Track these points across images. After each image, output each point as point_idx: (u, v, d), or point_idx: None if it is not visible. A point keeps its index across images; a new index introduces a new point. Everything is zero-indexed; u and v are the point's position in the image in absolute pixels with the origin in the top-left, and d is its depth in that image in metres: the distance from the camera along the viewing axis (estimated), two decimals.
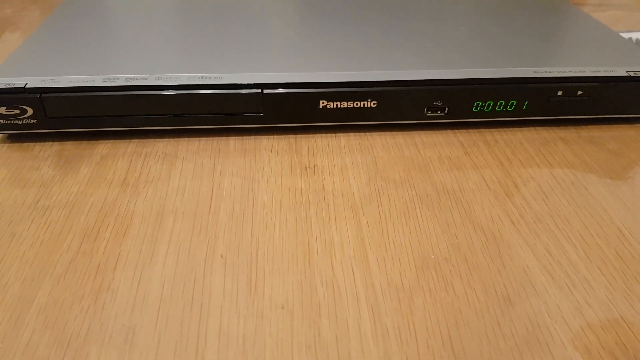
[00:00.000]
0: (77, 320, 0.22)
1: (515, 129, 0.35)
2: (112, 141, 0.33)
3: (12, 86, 0.31)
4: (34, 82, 0.32)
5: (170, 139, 0.34)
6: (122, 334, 0.22)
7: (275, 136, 0.34)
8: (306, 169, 0.31)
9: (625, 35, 0.44)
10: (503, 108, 0.34)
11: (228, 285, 0.24)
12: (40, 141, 0.33)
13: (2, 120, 0.32)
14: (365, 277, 0.24)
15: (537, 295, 0.24)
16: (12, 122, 0.32)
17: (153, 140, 0.33)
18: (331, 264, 0.25)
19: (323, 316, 0.22)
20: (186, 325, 0.22)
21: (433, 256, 0.25)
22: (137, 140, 0.33)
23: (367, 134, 0.34)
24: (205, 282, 0.24)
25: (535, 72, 0.34)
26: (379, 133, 0.34)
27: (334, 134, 0.34)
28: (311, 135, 0.34)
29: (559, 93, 0.34)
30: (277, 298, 0.23)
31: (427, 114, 0.34)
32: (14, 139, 0.34)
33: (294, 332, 0.22)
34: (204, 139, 0.34)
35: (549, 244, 0.26)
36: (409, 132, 0.34)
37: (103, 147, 0.33)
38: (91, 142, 0.33)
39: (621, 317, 0.23)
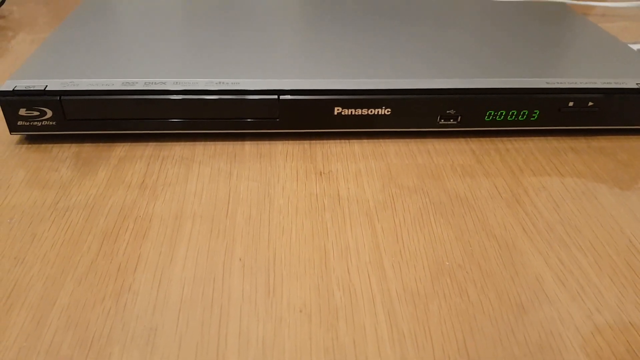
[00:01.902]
0: (99, 321, 0.23)
1: (526, 138, 0.36)
2: (129, 144, 0.34)
3: (32, 88, 0.32)
4: (54, 84, 0.32)
5: (187, 143, 0.34)
6: (144, 335, 0.22)
7: (290, 141, 0.35)
8: (321, 175, 0.32)
9: (634, 46, 0.44)
10: (515, 117, 0.35)
11: (247, 288, 0.24)
12: (58, 143, 0.34)
13: (21, 122, 0.33)
14: (381, 282, 0.25)
15: (549, 302, 0.24)
16: (31, 123, 0.33)
17: (170, 143, 0.34)
18: (347, 269, 0.25)
19: (340, 320, 0.23)
20: (207, 326, 0.23)
21: (447, 263, 0.26)
22: (154, 143, 0.34)
23: (381, 140, 0.35)
24: (225, 284, 0.24)
25: (547, 82, 0.34)
26: (392, 140, 0.35)
27: (347, 141, 0.35)
28: (325, 141, 0.35)
29: (570, 104, 0.34)
30: (295, 301, 0.24)
31: (440, 122, 0.34)
32: (32, 140, 0.34)
33: (312, 335, 0.22)
34: (220, 143, 0.34)
35: (560, 252, 0.27)
36: (421, 140, 0.35)
37: (120, 150, 0.33)
38: (109, 144, 0.34)
39: (631, 324, 0.23)
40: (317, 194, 0.30)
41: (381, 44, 0.38)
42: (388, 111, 0.34)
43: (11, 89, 0.32)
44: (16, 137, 0.34)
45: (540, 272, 0.26)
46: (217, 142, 0.34)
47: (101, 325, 0.23)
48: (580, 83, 0.34)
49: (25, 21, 0.53)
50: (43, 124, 0.33)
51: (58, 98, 0.32)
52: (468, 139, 0.35)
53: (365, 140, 0.35)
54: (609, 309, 0.24)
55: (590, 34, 0.42)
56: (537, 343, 0.22)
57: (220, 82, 0.33)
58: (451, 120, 0.34)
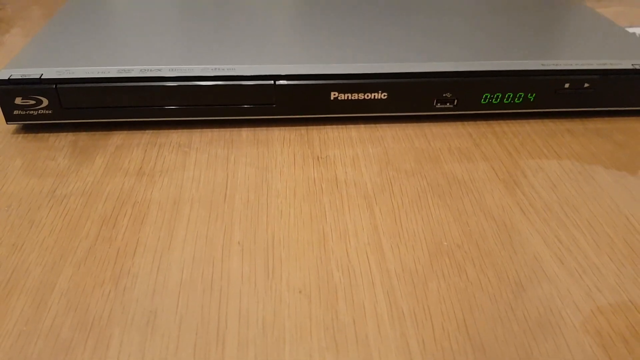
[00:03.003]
0: (99, 304, 0.23)
1: (522, 120, 0.36)
2: (126, 132, 0.34)
3: (27, 77, 0.32)
4: (49, 72, 0.32)
5: (184, 130, 0.34)
6: (144, 316, 0.22)
7: (286, 127, 0.35)
8: (318, 159, 0.32)
9: (630, 30, 0.44)
10: (511, 100, 0.35)
11: (246, 270, 0.24)
12: (55, 132, 0.34)
13: (17, 111, 0.32)
14: (380, 263, 0.25)
15: (548, 280, 0.24)
16: (28, 112, 0.33)
17: (167, 131, 0.34)
18: (346, 251, 0.25)
19: (340, 300, 0.23)
20: (206, 308, 0.23)
21: (445, 243, 0.26)
22: (151, 131, 0.34)
23: (378, 125, 0.35)
24: (224, 267, 0.24)
25: (542, 64, 0.34)
26: (389, 124, 0.35)
27: (344, 126, 0.35)
28: (322, 127, 0.35)
29: (566, 85, 0.34)
30: (295, 283, 0.24)
31: (437, 106, 0.34)
32: (28, 129, 0.34)
33: (312, 314, 0.22)
34: (217, 130, 0.34)
35: (558, 231, 0.27)
36: (418, 124, 0.35)
37: (117, 138, 0.33)
38: (105, 132, 0.34)
39: (631, 301, 0.23)
40: (315, 179, 0.30)
41: (377, 29, 0.38)
42: (384, 95, 0.34)
43: (7, 78, 0.31)
44: (12, 126, 0.34)
45: (539, 250, 0.26)
46: (213, 129, 0.34)
47: (101, 308, 0.23)
48: (576, 64, 0.34)
49: (19, 14, 0.53)
50: (39, 112, 0.33)
51: (54, 86, 0.32)
52: (465, 122, 0.35)
53: (362, 125, 0.35)
54: (608, 286, 0.24)
55: (586, 16, 0.42)
56: (536, 320, 0.22)
57: (216, 68, 0.33)
58: (447, 104, 0.34)
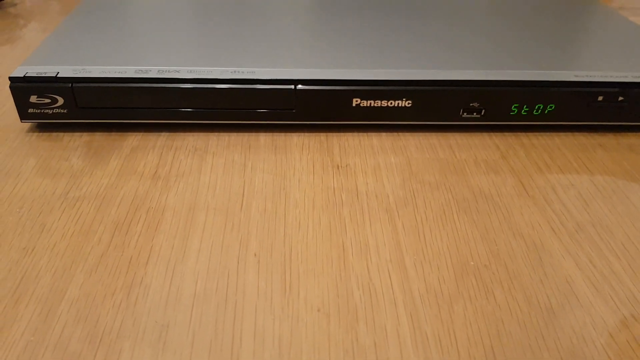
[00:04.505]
0: (109, 315, 0.22)
1: (552, 133, 0.34)
2: (141, 134, 0.33)
3: (43, 75, 0.31)
4: (65, 71, 0.31)
5: (200, 133, 0.33)
6: (156, 331, 0.21)
7: (306, 133, 0.33)
8: (338, 168, 0.31)
9: None
10: (541, 112, 0.33)
11: (262, 284, 0.23)
12: (69, 131, 0.33)
13: (32, 109, 0.32)
14: (403, 281, 0.24)
15: (581, 307, 0.23)
16: (42, 111, 0.32)
17: (183, 134, 0.33)
18: (367, 267, 0.24)
19: (360, 321, 0.22)
20: (220, 324, 0.22)
21: (472, 262, 0.25)
22: (167, 133, 0.33)
23: (400, 134, 0.34)
24: (239, 280, 0.23)
25: (575, 75, 0.33)
26: (412, 133, 0.34)
27: (365, 133, 0.34)
28: (342, 134, 0.34)
29: (600, 98, 0.33)
30: (313, 300, 0.23)
31: (463, 115, 0.33)
32: (43, 128, 0.33)
33: (330, 336, 0.21)
34: (234, 134, 0.33)
35: (591, 254, 0.25)
36: (443, 134, 0.34)
37: (133, 139, 0.32)
38: (120, 133, 0.33)
39: None
40: (334, 188, 0.29)
41: (401, 34, 0.37)
42: (409, 103, 0.33)
43: (22, 75, 0.31)
44: (27, 125, 0.34)
45: (571, 274, 0.24)
46: (231, 133, 0.33)
47: (112, 319, 0.22)
48: (610, 77, 0.33)
49: (37, 10, 0.52)
50: (54, 111, 0.32)
51: (70, 85, 0.31)
52: (492, 133, 0.34)
53: (383, 133, 0.34)
54: None
55: (619, 26, 0.40)
56: (568, 349, 0.21)
57: (235, 71, 0.32)
58: (474, 114, 0.33)
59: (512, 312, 0.22)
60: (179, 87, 0.31)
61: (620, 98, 0.33)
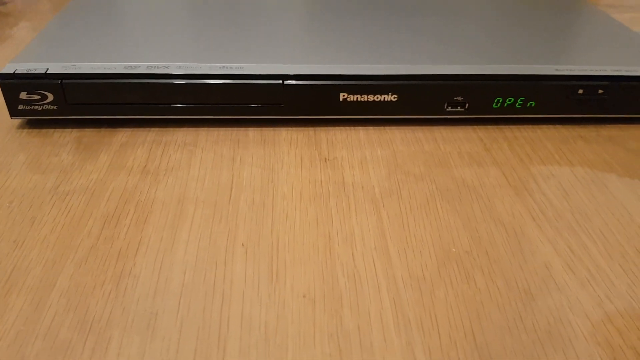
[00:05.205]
0: (99, 305, 0.22)
1: (534, 126, 0.35)
2: (131, 129, 0.33)
3: (33, 71, 0.31)
4: (55, 67, 0.32)
5: (190, 129, 0.34)
6: (145, 319, 0.22)
7: (294, 128, 0.34)
8: (326, 161, 0.31)
9: None
10: (523, 105, 0.34)
11: (249, 273, 0.24)
12: (59, 127, 0.33)
13: (22, 106, 0.32)
14: (387, 268, 0.24)
15: (558, 289, 0.23)
16: (32, 107, 0.32)
17: (172, 129, 0.33)
18: (352, 255, 0.25)
19: (345, 306, 0.22)
20: (208, 311, 0.22)
21: (454, 249, 0.25)
22: (157, 129, 0.33)
23: (387, 127, 0.34)
24: (227, 270, 0.24)
25: (556, 69, 0.34)
26: (399, 127, 0.34)
27: (353, 127, 0.34)
28: (330, 128, 0.34)
29: (580, 91, 0.34)
30: (299, 287, 0.23)
31: (448, 109, 0.34)
32: (33, 124, 0.34)
33: (316, 321, 0.22)
34: (223, 129, 0.34)
35: (569, 240, 0.26)
36: (428, 127, 0.34)
37: (122, 135, 0.33)
38: (110, 129, 0.33)
39: None
40: (321, 181, 0.30)
41: (388, 30, 0.38)
42: (394, 97, 0.33)
43: (12, 72, 0.31)
44: (17, 121, 0.34)
45: (549, 259, 0.25)
46: (220, 129, 0.34)
47: (101, 308, 0.22)
48: (590, 70, 0.34)
49: (27, 9, 0.53)
50: (44, 108, 0.32)
51: (59, 81, 0.31)
52: (475, 126, 0.35)
53: (370, 127, 0.34)
54: (619, 296, 0.23)
55: (601, 22, 0.41)
56: (546, 330, 0.22)
57: (224, 67, 0.32)
58: (458, 108, 0.34)
59: (492, 296, 0.23)
60: (168, 83, 0.32)
61: (600, 91, 0.34)
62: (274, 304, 0.22)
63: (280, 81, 0.32)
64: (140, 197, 0.28)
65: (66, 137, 0.33)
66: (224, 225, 0.26)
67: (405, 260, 0.25)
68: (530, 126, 0.35)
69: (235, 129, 0.34)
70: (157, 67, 0.32)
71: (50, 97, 0.32)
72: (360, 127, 0.34)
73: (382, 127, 0.34)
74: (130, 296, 0.23)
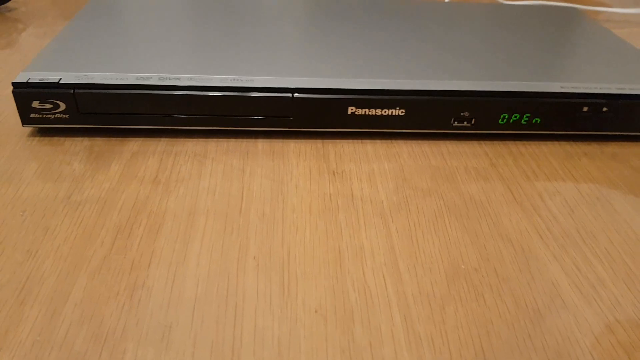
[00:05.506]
0: (113, 316, 0.23)
1: (539, 142, 0.36)
2: (142, 139, 0.34)
3: (46, 80, 0.32)
4: (68, 77, 0.32)
5: (200, 139, 0.34)
6: (159, 331, 0.22)
7: (302, 140, 0.34)
8: (334, 174, 0.31)
9: None
10: (528, 121, 0.34)
11: (261, 287, 0.24)
12: (70, 136, 0.34)
13: (34, 114, 0.32)
14: (397, 284, 0.25)
15: (566, 309, 0.24)
16: (44, 116, 0.32)
17: (183, 139, 0.34)
18: (362, 270, 0.25)
19: (356, 322, 0.23)
20: (221, 325, 0.22)
21: (463, 266, 0.26)
22: (167, 139, 0.34)
23: (394, 141, 0.35)
24: (239, 282, 0.24)
25: (561, 87, 0.34)
26: (405, 141, 0.35)
27: (360, 141, 0.35)
28: (338, 141, 0.35)
29: (585, 109, 0.34)
30: (310, 302, 0.24)
31: (454, 124, 0.34)
32: (44, 133, 0.34)
33: (328, 336, 0.22)
34: (233, 140, 0.34)
35: (576, 258, 0.27)
36: (435, 142, 0.35)
37: (133, 145, 0.33)
38: (121, 139, 0.34)
39: None
40: (330, 194, 0.30)
41: (397, 45, 0.38)
42: (402, 112, 0.34)
43: (25, 81, 0.31)
44: (28, 129, 0.34)
45: (557, 277, 0.25)
46: (229, 140, 0.34)
47: (115, 320, 0.22)
48: (595, 88, 0.34)
49: (35, 14, 0.53)
50: (56, 116, 0.33)
51: (72, 91, 0.32)
52: (482, 141, 0.35)
53: (378, 141, 0.35)
54: (625, 315, 0.24)
55: (603, 38, 0.42)
56: (554, 349, 0.22)
57: (234, 79, 0.33)
58: (465, 123, 0.34)
59: (501, 314, 0.23)
60: (179, 94, 0.32)
61: (605, 109, 0.34)
62: (286, 319, 0.23)
63: (290, 94, 0.33)
64: (152, 207, 0.28)
65: (77, 146, 0.33)
66: (235, 238, 0.27)
67: (415, 276, 0.25)
68: (535, 142, 0.35)
69: (244, 140, 0.34)
70: (169, 79, 0.32)
71: (63, 106, 0.32)
72: (368, 140, 0.35)
73: (389, 141, 0.35)
74: (144, 308, 0.23)
